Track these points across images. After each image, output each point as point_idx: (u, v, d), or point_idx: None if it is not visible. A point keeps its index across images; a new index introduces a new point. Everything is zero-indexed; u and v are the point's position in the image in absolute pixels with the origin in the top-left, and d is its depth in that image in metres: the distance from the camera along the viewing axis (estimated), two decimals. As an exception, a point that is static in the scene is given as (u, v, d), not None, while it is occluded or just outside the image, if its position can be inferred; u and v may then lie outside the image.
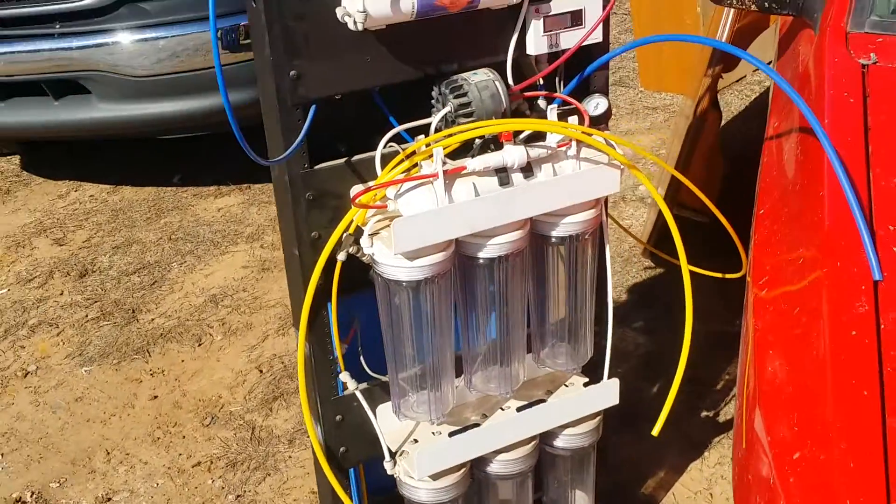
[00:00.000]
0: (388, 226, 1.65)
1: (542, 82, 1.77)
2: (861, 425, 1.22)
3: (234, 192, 4.44)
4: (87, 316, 3.59)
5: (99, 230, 4.22)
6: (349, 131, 1.73)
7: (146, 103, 3.80)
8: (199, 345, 3.37)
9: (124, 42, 3.70)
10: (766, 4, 2.04)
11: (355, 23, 1.50)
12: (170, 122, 3.89)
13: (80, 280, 3.83)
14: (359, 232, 1.67)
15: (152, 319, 3.53)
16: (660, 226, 2.97)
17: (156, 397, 3.11)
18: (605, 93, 1.85)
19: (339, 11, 1.54)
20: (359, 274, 1.71)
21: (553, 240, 1.79)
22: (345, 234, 1.67)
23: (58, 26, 3.70)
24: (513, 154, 1.64)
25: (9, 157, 5.05)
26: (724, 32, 2.55)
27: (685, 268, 1.82)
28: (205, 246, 4.01)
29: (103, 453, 2.88)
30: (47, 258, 4.02)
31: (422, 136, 1.67)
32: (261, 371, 3.19)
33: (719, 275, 2.01)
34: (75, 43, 3.69)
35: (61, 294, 3.75)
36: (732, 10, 2.42)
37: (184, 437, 2.92)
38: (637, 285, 3.41)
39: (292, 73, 1.57)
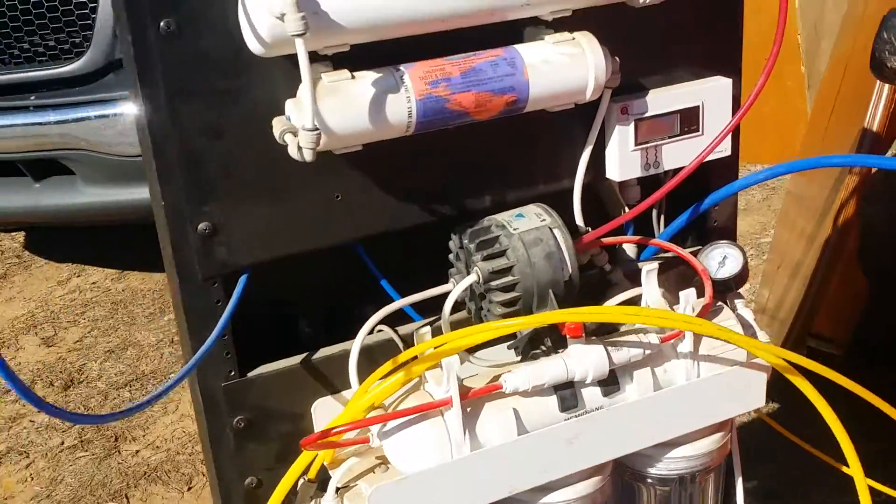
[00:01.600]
0: (369, 471, 0.98)
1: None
2: None
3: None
4: (62, 443, 2.98)
5: (94, 328, 3.64)
6: (306, 296, 1.06)
7: (140, 187, 3.19)
8: (189, 488, 2.71)
9: (112, 115, 3.10)
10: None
11: (300, 149, 0.83)
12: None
13: (64, 393, 3.24)
14: (323, 474, 1.00)
15: (136, 451, 2.89)
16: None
17: (128, 564, 2.46)
18: (733, 236, 1.15)
19: (276, 126, 0.87)
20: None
21: (650, 480, 1.09)
22: (301, 481, 1.00)
23: (32, 98, 3.12)
24: (584, 361, 0.94)
25: (13, 235, 4.54)
26: (878, 113, 1.86)
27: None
28: (210, 353, 3.38)
29: None
30: (32, 362, 3.46)
31: (427, 334, 0.98)
32: (259, 534, 2.51)
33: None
34: (52, 117, 3.10)
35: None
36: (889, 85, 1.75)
37: None
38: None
39: (202, 226, 0.91)
